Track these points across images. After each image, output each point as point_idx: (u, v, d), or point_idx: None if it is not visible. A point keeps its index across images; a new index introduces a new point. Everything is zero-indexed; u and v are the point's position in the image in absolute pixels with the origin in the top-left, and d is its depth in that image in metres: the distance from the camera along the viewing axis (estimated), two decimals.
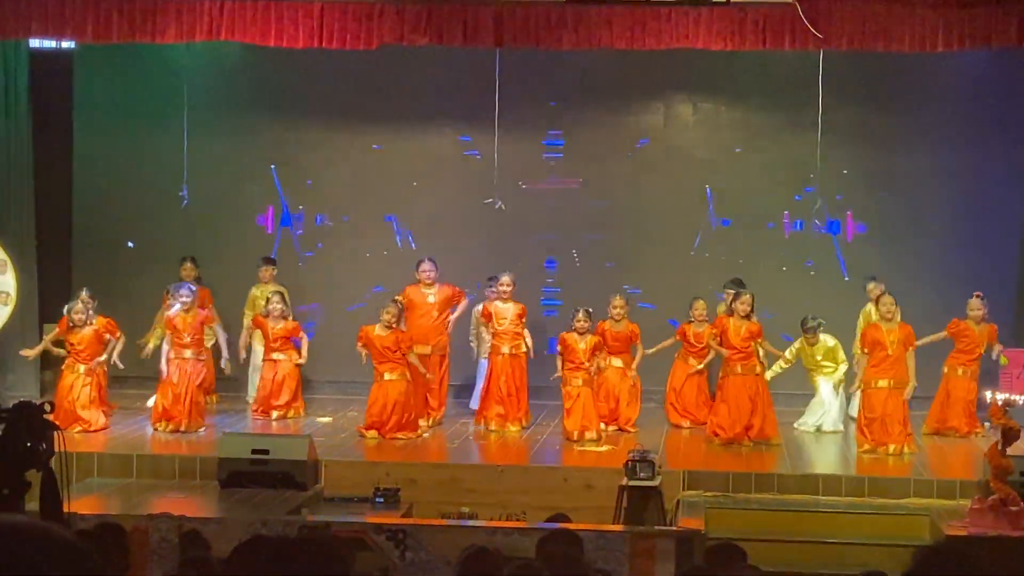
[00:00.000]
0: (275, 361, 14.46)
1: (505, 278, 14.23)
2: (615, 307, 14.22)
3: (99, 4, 13.31)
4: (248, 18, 13.35)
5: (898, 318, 13.27)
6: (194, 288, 14.15)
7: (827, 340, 14.22)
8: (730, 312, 13.60)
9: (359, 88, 16.13)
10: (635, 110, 16.37)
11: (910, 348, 13.10)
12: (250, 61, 15.66)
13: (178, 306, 13.89)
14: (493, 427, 13.90)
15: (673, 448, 13.23)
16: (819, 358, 14.18)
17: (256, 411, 14.47)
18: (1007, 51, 13.78)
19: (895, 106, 15.70)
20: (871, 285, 14.42)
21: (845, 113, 15.51)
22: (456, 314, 14.60)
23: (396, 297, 14.20)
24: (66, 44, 15.58)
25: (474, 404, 14.98)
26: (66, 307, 13.81)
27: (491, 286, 14.66)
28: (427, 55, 15.08)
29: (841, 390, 14.27)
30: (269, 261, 15.41)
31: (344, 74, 15.90)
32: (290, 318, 14.60)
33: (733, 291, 14.10)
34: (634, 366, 14.28)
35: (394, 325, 13.65)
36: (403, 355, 13.63)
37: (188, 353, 13.79)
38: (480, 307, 14.81)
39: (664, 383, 14.75)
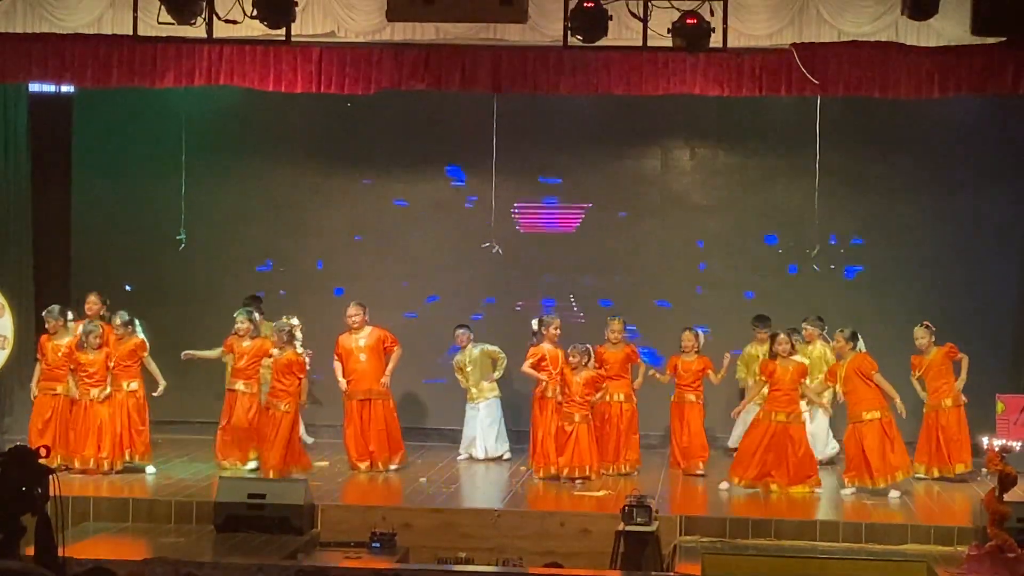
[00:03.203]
0: (235, 392, 14.00)
1: (556, 321, 14.16)
2: (613, 331, 14.15)
3: (99, 49, 13.37)
4: (247, 63, 13.41)
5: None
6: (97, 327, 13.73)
7: (818, 347, 14.33)
8: (773, 355, 13.32)
9: (357, 132, 16.20)
10: (633, 155, 16.42)
11: (873, 374, 13.10)
12: (249, 105, 15.72)
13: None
14: (554, 472, 13.68)
15: (670, 493, 13.21)
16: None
17: (224, 455, 13.96)
18: (1002, 97, 13.83)
19: (892, 151, 15.76)
20: (808, 327, 14.53)
21: (842, 158, 15.56)
22: (391, 366, 14.16)
23: (360, 301, 14.17)
24: (65, 88, 15.62)
25: (464, 450, 14.94)
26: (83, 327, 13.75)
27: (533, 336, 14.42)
28: (425, 99, 15.14)
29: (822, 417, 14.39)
30: (254, 299, 15.31)
31: (342, 118, 15.97)
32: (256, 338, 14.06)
33: (767, 332, 14.14)
34: (636, 385, 14.23)
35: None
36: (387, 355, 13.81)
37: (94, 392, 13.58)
38: (473, 348, 14.82)
39: (659, 426, 14.76)
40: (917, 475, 13.67)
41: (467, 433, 14.99)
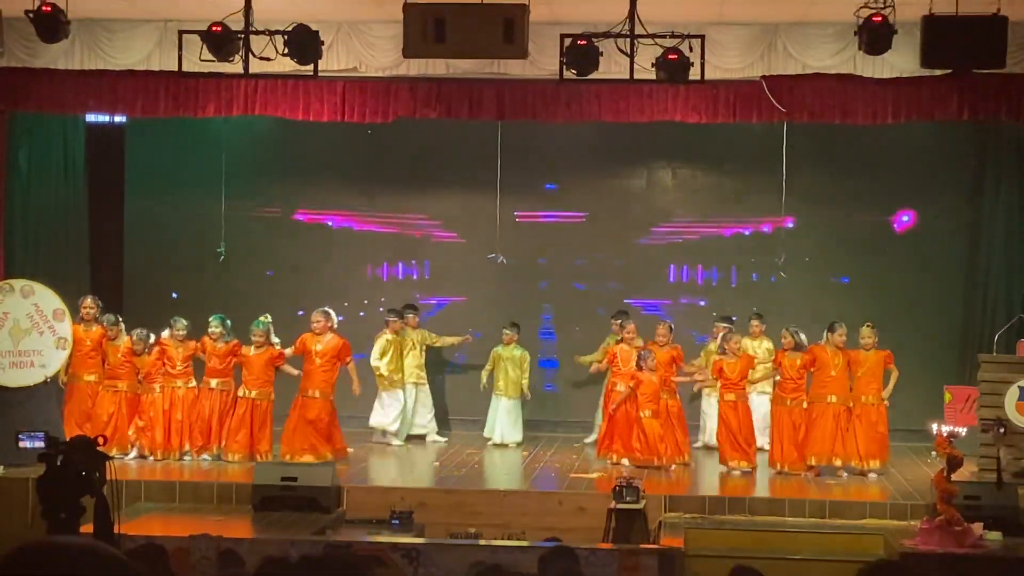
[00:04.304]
0: (211, 390, 13.67)
1: (631, 324, 14.02)
2: (660, 334, 13.89)
3: (148, 83, 13.39)
4: (279, 95, 13.42)
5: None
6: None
7: (763, 342, 14.39)
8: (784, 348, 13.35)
9: (376, 156, 16.21)
10: (621, 175, 16.43)
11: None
12: (281, 132, 15.73)
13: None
14: (615, 459, 13.55)
15: (655, 475, 13.19)
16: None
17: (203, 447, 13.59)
18: (948, 123, 13.84)
19: (851, 170, 15.75)
20: (756, 324, 14.53)
21: (806, 177, 15.57)
22: (355, 377, 13.75)
23: (326, 309, 13.95)
24: (118, 118, 15.64)
25: (487, 433, 14.95)
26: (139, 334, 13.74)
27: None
28: (437, 127, 15.14)
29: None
30: (411, 308, 15.18)
31: (363, 143, 15.98)
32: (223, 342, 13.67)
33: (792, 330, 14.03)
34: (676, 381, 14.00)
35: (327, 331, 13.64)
36: (343, 365, 13.62)
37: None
38: (515, 349, 14.87)
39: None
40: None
41: (491, 421, 14.99)
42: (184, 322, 13.75)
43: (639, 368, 13.52)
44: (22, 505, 11.48)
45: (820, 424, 13.18)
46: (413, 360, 15.02)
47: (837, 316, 14.07)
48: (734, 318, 14.76)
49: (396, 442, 14.84)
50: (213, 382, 13.68)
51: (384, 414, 14.87)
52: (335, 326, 13.94)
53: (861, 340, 13.39)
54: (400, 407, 14.84)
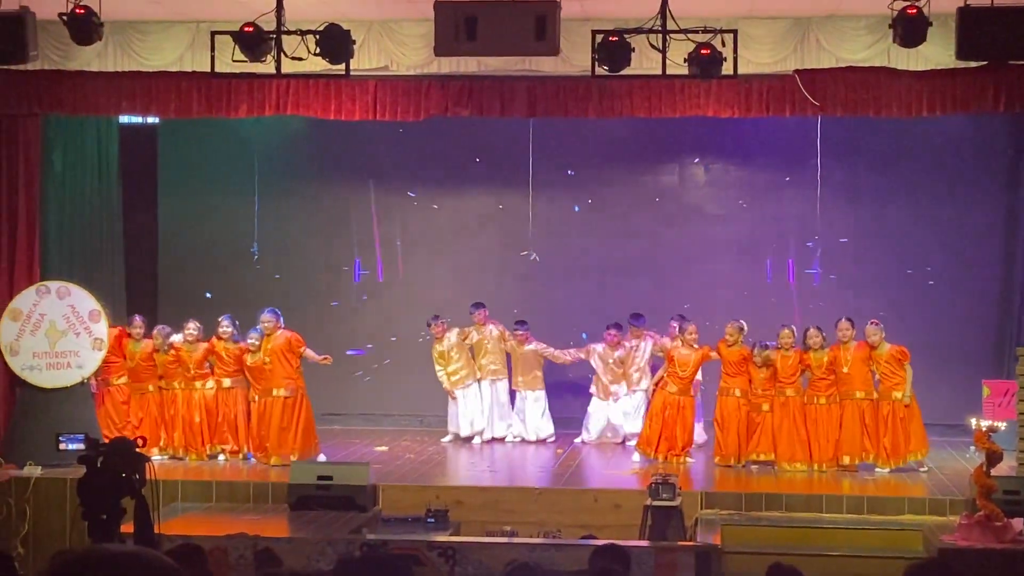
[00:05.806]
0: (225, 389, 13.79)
1: (691, 327, 13.81)
2: (729, 333, 13.62)
3: (180, 84, 13.44)
4: (311, 94, 13.45)
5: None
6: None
7: None
8: (806, 347, 13.32)
9: (409, 155, 16.22)
10: (653, 171, 16.38)
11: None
12: (312, 132, 15.77)
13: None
14: (656, 456, 13.53)
15: (691, 471, 13.16)
16: None
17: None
18: (985, 115, 13.73)
19: (885, 164, 15.67)
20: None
21: (840, 171, 15.49)
22: (313, 357, 13.70)
23: (274, 309, 13.85)
24: (151, 119, 15.72)
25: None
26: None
27: (518, 327, 14.87)
28: (469, 125, 15.14)
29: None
30: (479, 306, 15.15)
31: (395, 142, 15.99)
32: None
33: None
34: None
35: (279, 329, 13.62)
36: (298, 358, 13.58)
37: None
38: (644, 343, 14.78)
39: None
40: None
41: (519, 418, 15.03)
42: (196, 324, 13.85)
43: (756, 366, 13.40)
44: (60, 507, 11.56)
45: (848, 420, 13.11)
46: (487, 358, 14.98)
47: (872, 310, 14.02)
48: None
49: (477, 440, 14.88)
50: (227, 381, 13.78)
51: (456, 421, 14.94)
52: (283, 325, 13.82)
53: (868, 339, 13.23)
54: (475, 406, 14.88)
